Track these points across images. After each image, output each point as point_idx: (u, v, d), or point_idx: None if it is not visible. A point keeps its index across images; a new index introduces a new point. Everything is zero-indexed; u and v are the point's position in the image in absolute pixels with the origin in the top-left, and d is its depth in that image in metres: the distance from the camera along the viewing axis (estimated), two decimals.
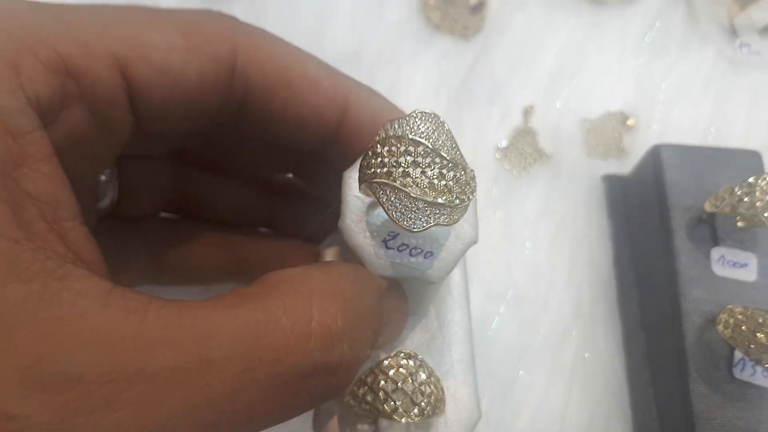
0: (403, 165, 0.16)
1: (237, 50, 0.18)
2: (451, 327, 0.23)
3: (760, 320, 0.25)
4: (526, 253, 0.33)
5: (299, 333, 0.14)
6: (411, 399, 0.19)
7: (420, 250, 0.19)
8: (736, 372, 0.27)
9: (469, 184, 0.17)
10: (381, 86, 0.36)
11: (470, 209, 0.19)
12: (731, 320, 0.27)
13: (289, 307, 0.14)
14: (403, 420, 0.19)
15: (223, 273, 0.26)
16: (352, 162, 0.19)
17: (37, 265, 0.13)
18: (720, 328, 0.27)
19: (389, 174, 0.16)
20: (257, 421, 0.14)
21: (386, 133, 0.16)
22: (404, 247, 0.18)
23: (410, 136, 0.16)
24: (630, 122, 0.37)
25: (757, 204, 0.27)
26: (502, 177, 0.35)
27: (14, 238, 0.13)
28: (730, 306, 0.27)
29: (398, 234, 0.19)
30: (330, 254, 0.24)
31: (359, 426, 0.21)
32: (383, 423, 0.21)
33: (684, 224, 0.30)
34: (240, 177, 0.25)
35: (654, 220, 0.31)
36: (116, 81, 0.16)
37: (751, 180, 0.27)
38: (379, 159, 0.16)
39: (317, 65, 0.20)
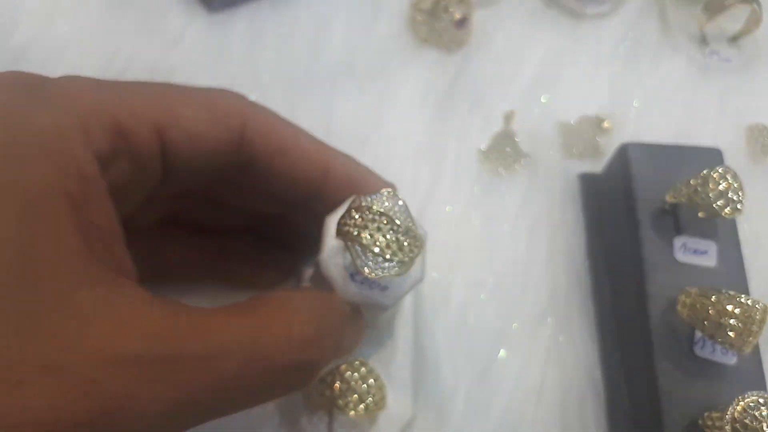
0: (370, 228, 0.21)
1: (246, 123, 0.23)
2: (398, 342, 0.31)
3: (713, 298, 0.28)
4: (505, 245, 0.36)
5: (284, 338, 0.20)
6: (360, 397, 0.26)
7: (377, 284, 0.25)
8: (697, 350, 0.30)
9: (416, 246, 0.22)
10: (371, 96, 0.40)
11: (418, 258, 0.25)
12: (688, 300, 0.29)
13: (277, 319, 0.20)
14: (352, 413, 0.26)
15: (206, 276, 0.31)
16: (331, 209, 0.25)
17: (101, 276, 0.17)
18: (679, 308, 0.29)
19: (359, 233, 0.21)
20: (251, 400, 0.20)
21: (360, 202, 0.22)
22: (365, 281, 0.24)
23: (376, 209, 0.22)
24: (606, 124, 0.39)
25: (710, 194, 0.29)
26: (483, 176, 0.38)
27: (84, 254, 0.17)
28: (687, 288, 0.29)
29: None
30: (308, 274, 0.32)
31: (317, 414, 0.28)
32: (335, 413, 0.28)
33: (649, 215, 0.32)
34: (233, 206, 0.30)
35: (622, 213, 0.33)
36: (155, 141, 0.21)
37: (704, 172, 0.30)
38: (353, 221, 0.22)
39: (307, 137, 0.26)
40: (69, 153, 0.18)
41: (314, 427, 0.28)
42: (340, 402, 0.26)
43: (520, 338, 0.33)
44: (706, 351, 0.29)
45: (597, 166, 0.38)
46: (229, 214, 0.30)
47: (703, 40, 0.42)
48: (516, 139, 0.39)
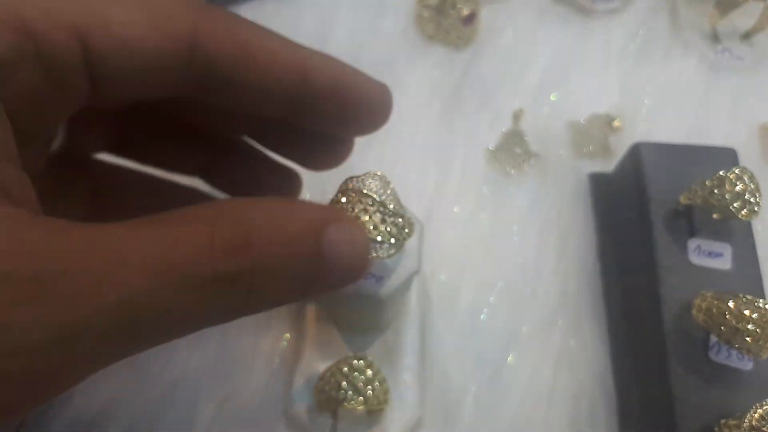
0: (356, 210, 0.21)
1: (197, 28, 0.19)
2: (405, 341, 0.30)
3: (730, 303, 0.27)
4: (514, 246, 0.35)
5: (203, 245, 0.16)
6: (357, 390, 0.26)
7: (374, 276, 0.24)
8: (712, 355, 0.29)
9: (404, 229, 0.22)
10: None
11: (414, 246, 0.25)
12: (704, 305, 0.28)
13: (194, 227, 0.16)
14: (349, 405, 0.26)
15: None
16: (319, 123, 0.23)
17: None
18: (694, 312, 0.29)
19: (349, 215, 0.21)
20: (175, 319, 0.16)
21: (347, 186, 0.22)
22: None
23: (363, 191, 0.21)
24: (616, 123, 0.39)
25: (727, 195, 0.29)
26: (491, 177, 0.37)
27: None
28: (703, 291, 0.29)
29: None
30: None
31: (323, 415, 0.28)
32: (340, 413, 0.27)
33: (662, 217, 0.32)
34: (189, 129, 0.26)
35: (634, 214, 0.33)
36: (74, 47, 0.18)
37: (721, 173, 0.29)
38: (339, 205, 0.21)
39: (276, 39, 0.21)
40: None
41: (319, 428, 0.28)
42: (339, 396, 0.26)
43: (530, 342, 0.33)
44: (721, 356, 0.29)
45: (607, 165, 0.38)
46: (199, 140, 0.26)
47: (714, 38, 0.42)
48: (525, 138, 0.38)
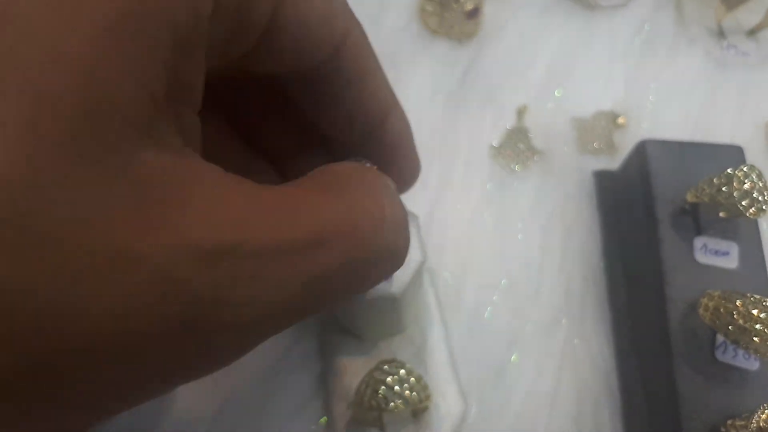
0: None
1: (349, 33, 0.19)
2: (431, 339, 0.30)
3: (738, 302, 0.27)
4: (518, 244, 0.35)
5: (380, 219, 0.16)
6: (396, 393, 0.25)
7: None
8: (719, 354, 0.29)
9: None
10: None
11: (414, 238, 0.25)
12: (710, 304, 0.28)
13: (369, 198, 0.17)
14: (393, 409, 0.25)
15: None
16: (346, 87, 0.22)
17: (168, 139, 0.13)
18: (701, 311, 0.28)
19: None
20: (349, 293, 0.17)
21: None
22: None
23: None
24: (621, 120, 0.38)
25: (735, 194, 0.28)
26: (495, 173, 0.36)
27: (151, 107, 0.12)
28: (709, 290, 0.28)
29: None
30: None
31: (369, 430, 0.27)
32: (386, 420, 0.27)
33: (668, 215, 0.31)
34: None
35: (640, 212, 0.32)
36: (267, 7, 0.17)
37: (729, 171, 0.29)
38: None
39: (383, 75, 0.22)
40: None
41: None
42: (378, 402, 0.25)
43: (534, 341, 0.32)
44: (728, 356, 0.29)
45: (612, 162, 0.37)
46: (287, 127, 0.25)
47: (720, 34, 0.41)
48: (529, 135, 0.38)
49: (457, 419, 0.29)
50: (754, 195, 0.28)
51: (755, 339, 0.26)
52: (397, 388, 0.25)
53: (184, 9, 0.13)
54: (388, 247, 0.17)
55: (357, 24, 0.20)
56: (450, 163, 0.37)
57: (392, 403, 0.24)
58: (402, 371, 0.25)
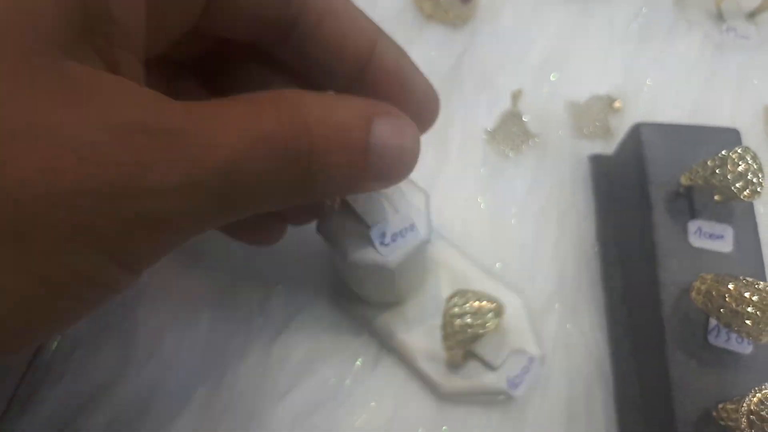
0: None
1: None
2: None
3: (730, 286, 0.26)
4: (512, 229, 0.34)
5: (277, 123, 0.17)
6: (475, 317, 0.26)
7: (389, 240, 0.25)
8: (711, 339, 0.28)
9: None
10: None
11: (422, 215, 0.25)
12: (703, 287, 0.28)
13: (267, 106, 0.17)
14: (486, 330, 0.26)
15: None
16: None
17: (90, 62, 0.15)
18: (693, 294, 0.28)
19: None
20: (262, 188, 0.17)
21: None
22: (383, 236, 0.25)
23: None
24: (617, 104, 0.38)
25: (729, 176, 0.28)
26: (490, 158, 0.36)
27: (74, 28, 0.15)
28: (702, 274, 0.28)
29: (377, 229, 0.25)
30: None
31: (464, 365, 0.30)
32: (480, 347, 0.29)
33: (662, 198, 0.31)
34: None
35: (635, 196, 0.32)
36: None
37: (723, 153, 0.28)
38: None
39: (354, 6, 0.22)
40: None
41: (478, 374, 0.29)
42: (477, 332, 0.26)
43: None
44: (720, 339, 0.28)
45: (608, 147, 0.37)
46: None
47: (719, 17, 0.41)
48: (524, 119, 0.37)
49: (521, 309, 0.31)
50: (749, 177, 0.28)
51: (747, 322, 0.26)
52: (471, 316, 0.26)
53: None
54: (285, 150, 0.17)
55: None
56: (444, 147, 0.37)
57: (482, 328, 0.26)
58: (463, 299, 0.27)
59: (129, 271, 0.16)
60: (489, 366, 0.29)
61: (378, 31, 0.22)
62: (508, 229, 0.35)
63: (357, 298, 0.31)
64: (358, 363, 0.31)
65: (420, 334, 0.30)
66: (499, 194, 0.35)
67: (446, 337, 0.27)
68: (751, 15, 0.41)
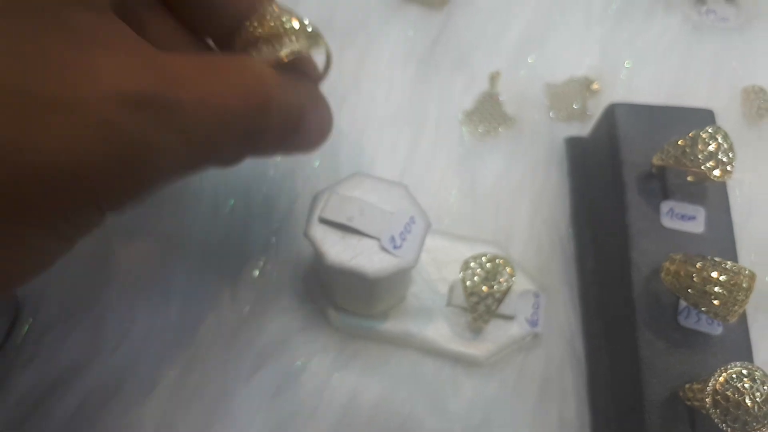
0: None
1: None
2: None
3: (698, 265, 0.26)
4: (487, 210, 0.34)
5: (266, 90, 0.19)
6: (494, 276, 0.29)
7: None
8: (681, 319, 0.28)
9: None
10: (350, 54, 0.38)
11: (417, 241, 0.25)
12: (672, 267, 0.27)
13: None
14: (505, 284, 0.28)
15: None
16: None
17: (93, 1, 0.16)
18: (663, 275, 0.28)
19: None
20: (235, 144, 0.19)
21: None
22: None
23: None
24: (594, 86, 0.38)
25: (699, 155, 0.28)
26: (466, 139, 0.36)
27: None
28: (672, 254, 0.28)
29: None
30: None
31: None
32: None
33: (635, 179, 0.31)
34: None
35: (608, 177, 0.32)
36: None
37: (693, 132, 0.28)
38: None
39: None
40: None
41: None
42: (496, 282, 0.28)
43: None
44: (690, 321, 0.28)
45: (585, 129, 0.37)
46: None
47: None
48: (500, 100, 0.37)
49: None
50: (719, 156, 0.28)
51: (715, 302, 0.26)
52: (491, 270, 0.28)
53: None
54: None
55: None
56: (421, 128, 0.36)
57: (507, 277, 0.28)
58: (478, 260, 0.29)
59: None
60: (507, 317, 0.31)
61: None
62: (483, 210, 0.34)
63: (343, 311, 0.31)
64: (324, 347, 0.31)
65: (433, 321, 0.31)
66: (475, 175, 0.35)
67: (473, 307, 0.29)
68: None
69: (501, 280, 0.28)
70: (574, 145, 0.36)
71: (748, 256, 0.34)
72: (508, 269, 0.29)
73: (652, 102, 0.37)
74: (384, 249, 0.25)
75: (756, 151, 0.37)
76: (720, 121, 0.33)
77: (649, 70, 0.39)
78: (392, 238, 0.25)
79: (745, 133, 0.37)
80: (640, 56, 0.39)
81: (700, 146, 0.28)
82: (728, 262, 0.26)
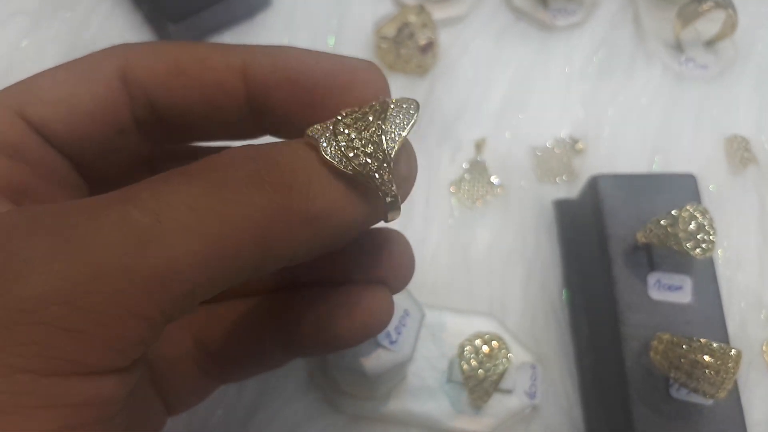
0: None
1: (125, 65, 0.19)
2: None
3: (684, 347, 0.27)
4: (481, 279, 0.35)
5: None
6: (492, 359, 0.30)
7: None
8: (673, 392, 0.29)
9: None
10: None
11: (412, 335, 0.27)
12: (660, 347, 0.28)
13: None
14: (506, 360, 0.30)
15: None
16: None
17: None
18: (652, 354, 0.29)
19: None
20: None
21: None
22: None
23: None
24: (579, 146, 0.38)
25: (680, 234, 0.29)
26: (456, 209, 0.37)
27: None
28: (659, 333, 0.29)
29: None
30: None
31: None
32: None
33: (621, 252, 0.32)
34: None
35: (595, 248, 0.33)
36: (20, 126, 0.18)
37: (674, 212, 0.29)
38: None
39: (207, 47, 0.20)
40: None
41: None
42: (501, 368, 0.30)
43: None
44: (682, 393, 0.29)
45: (572, 190, 0.37)
46: None
47: (678, 47, 0.41)
48: (487, 168, 0.38)
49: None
50: (699, 236, 0.29)
51: (703, 383, 0.27)
52: (488, 353, 0.30)
53: None
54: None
55: (132, 46, 0.20)
56: (410, 200, 0.37)
57: (504, 360, 0.30)
58: (474, 343, 0.30)
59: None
60: (506, 392, 0.31)
61: (243, 50, 0.19)
62: (477, 280, 0.35)
63: (345, 394, 0.32)
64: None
65: (435, 399, 0.32)
66: (467, 246, 0.36)
67: (472, 390, 0.30)
68: (710, 43, 0.41)
69: (497, 363, 0.29)
70: (562, 208, 0.37)
71: (738, 303, 0.35)
72: (503, 351, 0.30)
73: (638, 156, 0.38)
74: (380, 345, 0.26)
75: (742, 199, 0.37)
76: (704, 174, 0.34)
77: (633, 123, 0.39)
78: (387, 334, 0.26)
79: (730, 182, 0.38)
80: (624, 109, 0.40)
81: (681, 225, 0.29)
82: (714, 344, 0.27)
